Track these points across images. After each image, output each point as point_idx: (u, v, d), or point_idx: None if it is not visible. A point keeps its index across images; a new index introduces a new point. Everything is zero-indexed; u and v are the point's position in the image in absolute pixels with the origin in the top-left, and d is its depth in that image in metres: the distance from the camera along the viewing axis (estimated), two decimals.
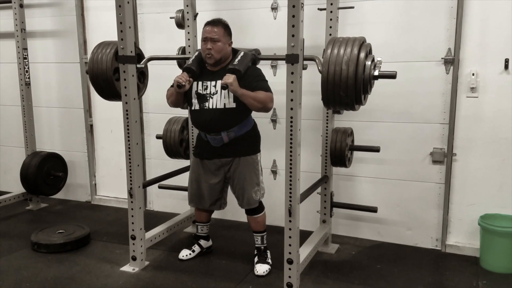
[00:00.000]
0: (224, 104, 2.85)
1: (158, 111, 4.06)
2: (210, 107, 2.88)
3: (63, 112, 4.61)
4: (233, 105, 2.85)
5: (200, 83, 2.92)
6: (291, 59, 2.42)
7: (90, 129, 4.51)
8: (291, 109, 2.47)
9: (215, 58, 2.85)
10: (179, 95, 2.94)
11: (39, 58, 4.55)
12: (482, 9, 3.07)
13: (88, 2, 4.34)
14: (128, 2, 2.80)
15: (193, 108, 2.95)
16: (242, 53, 2.91)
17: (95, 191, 4.64)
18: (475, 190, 3.25)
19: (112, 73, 3.01)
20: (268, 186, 3.41)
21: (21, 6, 4.12)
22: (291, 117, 2.48)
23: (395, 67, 3.30)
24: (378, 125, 3.46)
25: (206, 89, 2.89)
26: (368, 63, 2.48)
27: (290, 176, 2.55)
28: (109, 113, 4.34)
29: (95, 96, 4.43)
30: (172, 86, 2.98)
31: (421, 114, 3.32)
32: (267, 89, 2.85)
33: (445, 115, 3.25)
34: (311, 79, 3.32)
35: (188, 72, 2.90)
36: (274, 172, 3.81)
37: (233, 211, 3.88)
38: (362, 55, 2.45)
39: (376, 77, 2.55)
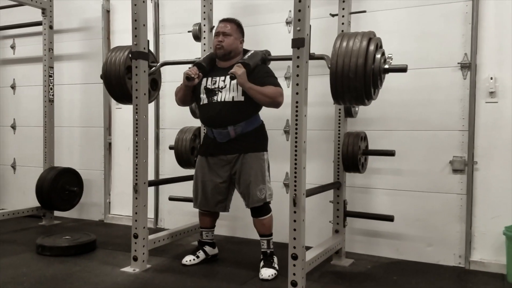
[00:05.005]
0: (233, 97, 2.85)
1: (174, 126, 4.08)
2: (219, 100, 2.88)
3: (84, 131, 4.70)
4: (241, 98, 2.84)
5: (209, 78, 2.95)
6: (297, 43, 2.41)
7: (108, 146, 4.55)
8: (297, 93, 2.43)
9: (225, 50, 2.89)
10: (187, 90, 2.96)
11: (65, 80, 4.72)
12: (497, 13, 3.03)
13: (114, 25, 4.55)
14: (143, 1, 2.90)
15: (201, 103, 2.97)
16: (252, 51, 2.96)
17: (109, 210, 4.59)
18: (499, 200, 3.03)
19: (124, 72, 3.09)
20: (279, 200, 3.31)
21: (51, 27, 4.35)
22: (297, 102, 2.43)
23: (410, 74, 3.24)
24: (394, 134, 3.33)
25: (214, 84, 2.91)
26: (378, 56, 2.45)
27: (295, 164, 2.44)
28: (128, 130, 4.33)
29: (116, 113, 4.54)
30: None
31: (438, 121, 3.20)
32: (276, 84, 2.85)
33: (464, 121, 3.12)
34: (324, 89, 3.28)
35: (199, 67, 2.93)
36: (287, 185, 3.67)
37: (243, 228, 3.76)
38: (372, 47, 2.43)
39: (387, 71, 2.53)
